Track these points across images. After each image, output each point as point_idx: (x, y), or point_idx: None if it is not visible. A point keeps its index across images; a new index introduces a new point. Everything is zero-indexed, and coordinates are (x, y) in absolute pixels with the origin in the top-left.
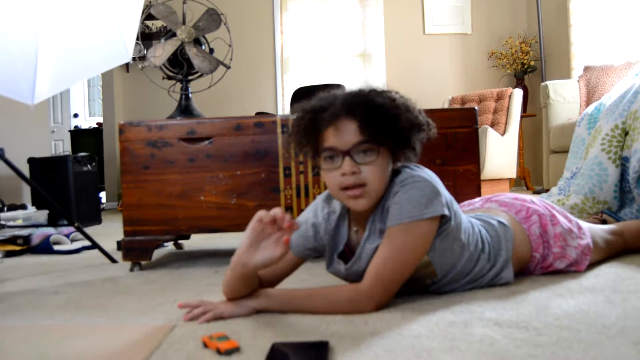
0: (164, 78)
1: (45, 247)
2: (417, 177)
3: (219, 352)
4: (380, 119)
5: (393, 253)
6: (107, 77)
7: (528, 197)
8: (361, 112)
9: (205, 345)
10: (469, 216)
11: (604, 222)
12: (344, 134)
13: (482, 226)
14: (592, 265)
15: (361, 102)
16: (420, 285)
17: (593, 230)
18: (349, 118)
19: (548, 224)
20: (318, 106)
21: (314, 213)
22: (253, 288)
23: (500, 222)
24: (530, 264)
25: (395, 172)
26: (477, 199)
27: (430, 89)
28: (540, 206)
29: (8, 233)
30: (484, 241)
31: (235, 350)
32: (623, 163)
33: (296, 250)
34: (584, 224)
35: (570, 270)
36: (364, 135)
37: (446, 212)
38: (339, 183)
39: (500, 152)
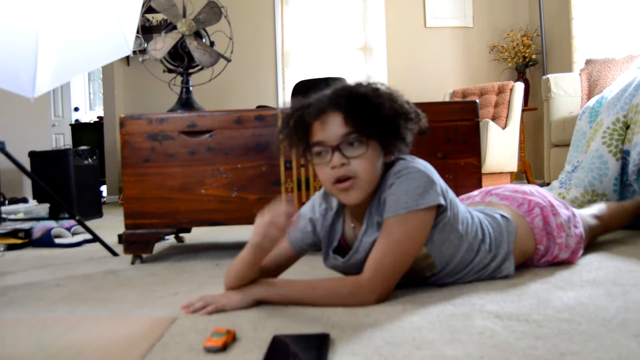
0: (164, 71)
1: (47, 240)
2: (412, 167)
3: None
4: (365, 109)
5: (392, 244)
6: (107, 70)
7: (527, 188)
8: (345, 104)
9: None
10: (472, 210)
11: None
12: (331, 127)
13: (484, 218)
14: (591, 257)
15: (345, 94)
16: (419, 278)
17: (582, 217)
18: (335, 110)
19: (549, 215)
20: (306, 102)
21: (312, 208)
22: (256, 277)
23: (502, 215)
24: (535, 256)
25: (390, 164)
26: (476, 192)
27: (431, 82)
28: (540, 197)
29: (9, 226)
30: (485, 231)
31: (218, 349)
32: (624, 157)
33: (295, 245)
34: (576, 211)
35: (567, 261)
36: (350, 126)
37: (442, 201)
38: (330, 177)
39: (501, 146)
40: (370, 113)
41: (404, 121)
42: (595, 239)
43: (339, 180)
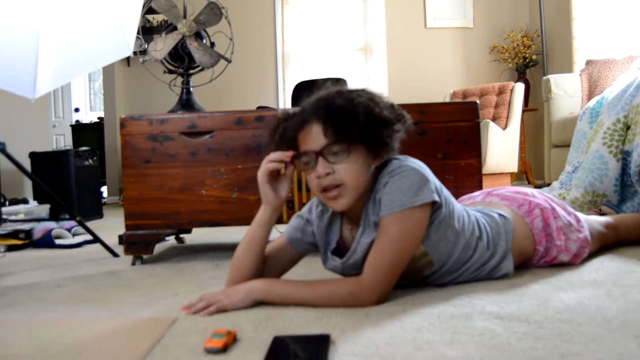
0: (165, 72)
1: (47, 241)
2: (405, 166)
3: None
4: (340, 120)
5: (389, 243)
6: (108, 71)
7: (529, 190)
8: (323, 115)
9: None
10: (469, 209)
11: (602, 215)
12: (313, 137)
13: (482, 216)
14: (592, 258)
15: (323, 105)
16: (418, 277)
17: (589, 222)
18: (315, 121)
19: (550, 217)
20: (291, 113)
21: (309, 210)
22: (259, 268)
23: (500, 214)
24: (534, 257)
25: (383, 164)
26: (477, 193)
27: (431, 83)
28: (541, 199)
29: (10, 227)
30: (482, 229)
31: (219, 350)
32: (624, 157)
33: (296, 244)
34: (582, 216)
35: (569, 263)
36: (329, 136)
37: (436, 198)
38: (317, 185)
39: (501, 146)
40: (346, 124)
41: (384, 128)
42: (608, 247)
43: (326, 189)
